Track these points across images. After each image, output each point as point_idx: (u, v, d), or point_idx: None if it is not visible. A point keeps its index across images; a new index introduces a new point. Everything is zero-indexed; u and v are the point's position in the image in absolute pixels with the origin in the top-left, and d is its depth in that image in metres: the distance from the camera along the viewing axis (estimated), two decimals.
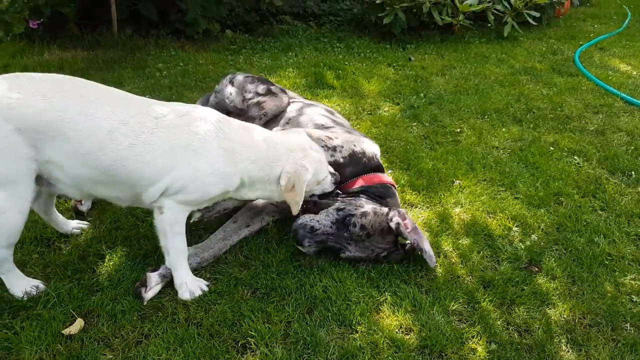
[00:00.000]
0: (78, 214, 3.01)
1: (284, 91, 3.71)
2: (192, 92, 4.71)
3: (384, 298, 2.56)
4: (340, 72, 5.59)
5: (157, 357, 2.16)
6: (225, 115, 2.62)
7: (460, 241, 3.04)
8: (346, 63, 5.95)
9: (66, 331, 2.23)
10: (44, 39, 5.66)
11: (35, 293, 2.41)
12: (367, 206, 2.76)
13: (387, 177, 3.07)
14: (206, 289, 2.52)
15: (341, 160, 2.98)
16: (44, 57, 5.42)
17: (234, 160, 2.45)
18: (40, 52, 5.54)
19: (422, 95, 5.17)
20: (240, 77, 3.76)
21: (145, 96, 2.62)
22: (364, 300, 2.51)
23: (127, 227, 2.93)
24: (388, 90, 5.25)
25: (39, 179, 2.29)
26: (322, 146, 2.94)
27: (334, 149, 2.99)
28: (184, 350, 2.19)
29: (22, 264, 2.59)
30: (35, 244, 2.75)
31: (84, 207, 3.03)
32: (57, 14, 5.21)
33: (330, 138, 3.04)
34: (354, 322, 2.40)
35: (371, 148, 3.12)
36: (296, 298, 2.50)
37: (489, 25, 7.26)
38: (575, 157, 4.06)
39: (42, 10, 4.79)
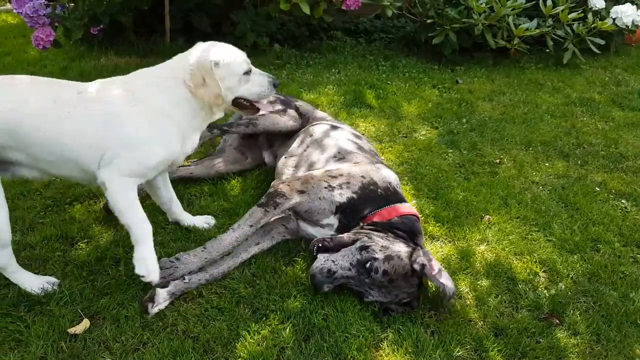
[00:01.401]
0: (108, 212, 3.12)
1: (300, 116, 3.78)
2: None
3: (385, 335, 2.50)
4: (381, 91, 5.54)
5: None
6: (135, 72, 2.67)
7: (479, 282, 2.92)
8: (388, 82, 5.89)
9: (72, 330, 2.33)
10: (103, 45, 5.98)
11: (50, 289, 2.53)
12: (392, 247, 2.65)
13: (407, 207, 2.98)
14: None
15: (353, 195, 2.91)
16: (100, 62, 5.72)
17: (148, 107, 2.48)
18: (97, 56, 5.86)
19: (464, 120, 5.04)
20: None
21: None
22: (364, 335, 2.46)
23: None
24: (428, 113, 5.15)
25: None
26: (326, 186, 2.90)
27: (340, 186, 2.91)
28: None
29: (45, 260, 2.75)
30: (61, 242, 2.90)
31: None
32: (116, 22, 5.50)
33: (333, 177, 2.97)
34: (349, 356, 2.36)
35: (386, 178, 3.05)
36: (294, 323, 2.49)
37: (548, 50, 6.97)
38: (623, 201, 3.82)
39: (100, 18, 5.07)
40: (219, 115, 2.79)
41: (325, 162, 3.20)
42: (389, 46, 7.37)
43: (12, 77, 2.48)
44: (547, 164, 4.32)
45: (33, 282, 2.52)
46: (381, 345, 2.44)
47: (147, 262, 2.43)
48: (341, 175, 2.96)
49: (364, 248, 2.63)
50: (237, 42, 6.13)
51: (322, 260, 2.62)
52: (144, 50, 6.06)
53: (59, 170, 2.50)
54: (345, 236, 2.77)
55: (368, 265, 2.57)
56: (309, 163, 3.25)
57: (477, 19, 6.33)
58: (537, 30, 6.59)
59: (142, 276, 2.42)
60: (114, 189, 2.42)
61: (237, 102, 2.76)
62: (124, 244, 2.91)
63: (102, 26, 5.47)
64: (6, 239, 2.40)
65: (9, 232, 2.39)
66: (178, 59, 2.66)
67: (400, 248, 2.66)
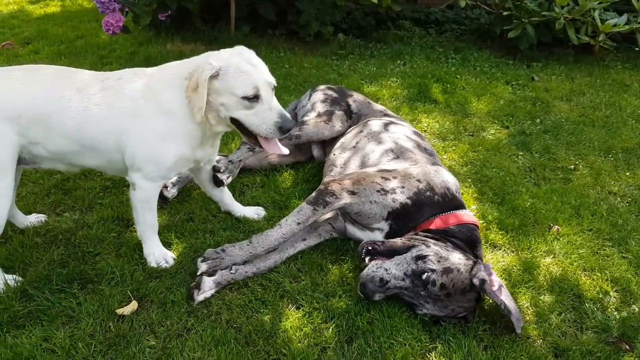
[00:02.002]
0: (163, 200, 3.18)
1: (349, 117, 3.63)
2: (289, 95, 4.77)
3: (433, 345, 2.36)
4: (448, 85, 5.29)
5: (192, 353, 2.21)
6: (162, 65, 2.58)
7: (542, 297, 2.70)
8: (457, 76, 5.62)
9: (120, 311, 2.38)
10: (169, 31, 6.12)
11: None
12: (451, 259, 2.47)
13: (466, 215, 2.79)
14: (172, 262, 2.66)
15: (408, 201, 2.75)
16: (166, 48, 5.86)
17: (158, 104, 2.42)
18: (164, 42, 6.00)
19: (538, 121, 4.71)
20: (318, 93, 3.77)
21: None
22: (411, 343, 2.34)
23: (198, 220, 3.04)
24: (499, 111, 4.86)
25: (25, 160, 2.47)
26: (379, 190, 2.76)
27: (393, 190, 2.76)
28: (218, 352, 2.22)
29: (101, 240, 2.82)
30: (116, 223, 2.98)
31: (169, 193, 3.20)
32: (183, 9, 5.60)
33: (386, 179, 2.81)
34: None
35: (444, 182, 2.86)
36: (338, 324, 2.40)
37: (637, 49, 6.38)
38: None
39: (168, 4, 5.18)
40: (220, 128, 2.54)
41: (380, 155, 3.07)
42: (461, 38, 7.05)
43: (38, 67, 2.53)
44: (627, 173, 3.94)
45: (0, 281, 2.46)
46: (428, 356, 2.31)
47: (155, 257, 2.65)
48: (395, 177, 2.80)
49: (420, 258, 2.46)
50: (301, 31, 6.20)
51: (374, 268, 2.47)
52: (209, 37, 6.14)
53: (84, 160, 2.53)
54: (399, 241, 2.61)
55: (424, 277, 2.41)
56: (363, 155, 3.13)
57: (559, 12, 5.89)
58: (627, 27, 6.03)
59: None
60: (141, 193, 2.54)
61: (240, 126, 2.46)
62: (177, 229, 2.94)
63: (169, 12, 5.59)
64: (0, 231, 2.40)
65: (3, 225, 2.41)
66: (200, 57, 2.50)
67: (460, 260, 2.48)
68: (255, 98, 2.36)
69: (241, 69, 2.36)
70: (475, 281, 2.40)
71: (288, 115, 2.43)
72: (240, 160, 3.19)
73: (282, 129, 2.39)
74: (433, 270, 2.40)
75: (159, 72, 2.53)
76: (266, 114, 2.38)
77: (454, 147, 4.11)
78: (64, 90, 2.40)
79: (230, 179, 3.07)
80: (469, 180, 3.68)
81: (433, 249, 2.49)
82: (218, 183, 3.00)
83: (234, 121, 2.45)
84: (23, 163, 2.48)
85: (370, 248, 2.57)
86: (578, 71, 6.09)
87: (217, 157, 3.07)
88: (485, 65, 6.04)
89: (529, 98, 5.21)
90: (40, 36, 6.29)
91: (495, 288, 2.39)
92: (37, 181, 3.36)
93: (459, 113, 4.75)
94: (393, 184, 2.77)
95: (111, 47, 5.92)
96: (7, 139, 2.31)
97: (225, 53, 2.46)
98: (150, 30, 6.24)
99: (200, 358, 2.19)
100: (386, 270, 2.45)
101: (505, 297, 2.39)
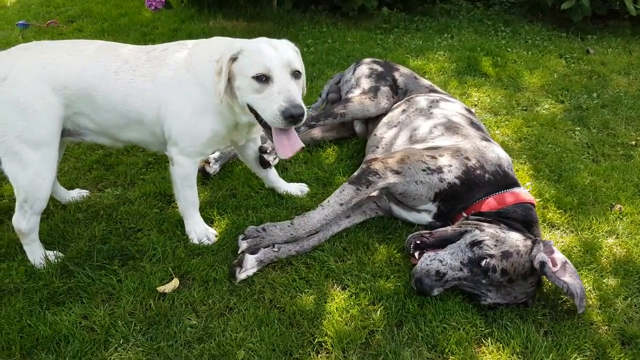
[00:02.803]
0: (205, 175, 3.11)
1: (395, 93, 3.44)
2: (333, 69, 4.62)
3: (489, 330, 2.20)
4: (499, 59, 5.01)
5: (235, 334, 2.13)
6: (207, 40, 2.48)
7: (605, 280, 2.49)
8: (508, 50, 5.32)
9: (161, 289, 2.32)
10: (212, 8, 6.04)
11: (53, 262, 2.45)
12: (508, 241, 2.28)
13: (521, 193, 2.59)
14: (214, 239, 2.59)
15: (456, 181, 2.57)
16: (209, 25, 5.78)
17: (196, 75, 2.32)
18: (206, 19, 5.93)
19: (594, 95, 4.40)
20: (363, 67, 3.59)
21: None
22: (465, 328, 2.19)
23: (241, 197, 2.96)
24: (553, 85, 4.56)
25: (69, 132, 2.42)
26: (424, 169, 2.59)
27: (440, 169, 2.57)
28: (261, 333, 2.13)
29: (143, 216, 2.78)
30: (158, 199, 2.92)
31: (212, 169, 3.12)
32: None
33: (433, 157, 2.62)
34: (447, 349, 2.10)
35: (496, 159, 2.65)
36: (386, 306, 2.27)
37: None
38: None
39: None
40: (246, 118, 2.36)
41: (428, 130, 2.89)
42: (510, 11, 6.69)
43: (86, 41, 2.47)
44: None
45: (40, 257, 2.42)
46: (484, 342, 2.15)
47: (197, 234, 2.59)
48: (442, 155, 2.62)
49: (475, 243, 2.28)
50: (344, 6, 6.01)
51: (428, 260, 2.29)
52: (251, 13, 6.03)
53: (128, 134, 2.46)
54: (449, 229, 2.44)
55: (483, 264, 2.23)
56: (409, 130, 2.96)
57: None
58: None
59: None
60: (179, 169, 2.48)
61: (256, 115, 2.26)
62: (219, 205, 2.87)
63: None
64: (44, 206, 2.36)
65: (47, 199, 2.37)
66: (236, 40, 2.39)
67: (518, 242, 2.29)
68: (265, 80, 2.17)
69: (259, 50, 2.21)
70: (535, 264, 2.22)
71: (299, 101, 2.15)
72: None
73: (285, 114, 2.11)
74: (491, 256, 2.23)
75: (202, 44, 2.44)
76: (272, 98, 2.15)
77: (506, 122, 3.87)
78: (111, 62, 2.35)
79: (277, 160, 2.96)
80: (524, 156, 3.46)
81: (488, 232, 2.31)
82: (265, 164, 2.90)
83: (250, 109, 2.27)
84: (67, 135, 2.44)
85: (418, 242, 2.40)
86: (636, 44, 5.68)
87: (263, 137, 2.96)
88: (536, 38, 5.70)
89: (584, 71, 4.88)
90: (84, 14, 6.33)
91: (558, 267, 2.21)
92: (79, 157, 3.35)
93: (510, 87, 4.48)
94: (440, 162, 2.60)
95: (154, 25, 5.89)
96: (53, 110, 2.26)
97: (257, 39, 2.34)
98: (192, 6, 6.19)
99: (243, 339, 2.11)
100: (441, 261, 2.28)
101: (569, 276, 2.21)
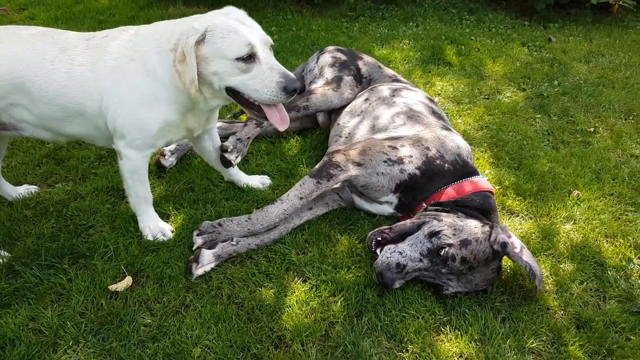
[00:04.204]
0: (160, 169, 3.02)
1: (359, 82, 3.38)
2: (297, 59, 4.54)
3: (448, 318, 2.20)
4: (463, 47, 5.02)
5: (191, 331, 2.07)
6: (144, 26, 2.34)
7: (562, 265, 2.53)
8: (472, 38, 5.34)
9: (113, 287, 2.24)
10: None
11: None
12: (467, 229, 2.28)
13: (483, 181, 2.61)
14: (170, 235, 2.52)
15: (416, 172, 2.55)
16: (168, 11, 5.62)
17: (143, 64, 2.19)
18: (166, 6, 5.75)
19: (555, 83, 4.46)
20: (326, 55, 3.52)
21: None
22: (424, 316, 2.18)
23: (199, 190, 2.88)
24: (515, 73, 4.60)
25: (4, 125, 2.30)
26: (385, 160, 2.56)
27: (400, 160, 2.56)
28: (218, 330, 2.08)
29: (94, 212, 2.67)
30: (111, 194, 2.82)
31: (167, 162, 3.03)
32: None
33: (394, 147, 2.60)
34: (406, 338, 2.09)
35: (455, 148, 2.65)
36: (346, 297, 2.25)
37: None
38: None
39: None
40: (216, 102, 2.28)
41: (389, 119, 2.86)
42: (474, 1, 6.71)
43: (19, 28, 2.33)
44: None
45: None
46: (443, 330, 2.15)
47: (151, 230, 2.50)
48: (403, 146, 2.61)
49: (433, 234, 2.28)
50: None
51: (388, 254, 2.27)
52: (212, 0, 5.86)
53: (70, 128, 2.33)
54: (408, 222, 2.42)
55: (442, 253, 2.22)
56: (371, 119, 2.93)
57: None
58: None
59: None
60: (128, 163, 2.35)
61: (240, 97, 2.19)
62: (175, 199, 2.78)
63: None
64: None
65: None
66: (184, 21, 2.22)
67: (476, 229, 2.30)
68: (250, 58, 2.08)
69: (230, 28, 2.08)
70: (496, 247, 2.22)
71: (291, 73, 2.13)
72: (248, 138, 2.96)
73: (287, 89, 2.09)
74: (450, 245, 2.22)
75: (146, 30, 2.29)
76: (266, 75, 2.09)
77: (469, 111, 3.88)
78: (47, 51, 2.21)
79: (239, 159, 2.86)
80: (485, 144, 3.48)
81: (445, 222, 2.31)
82: (226, 163, 2.80)
83: (230, 92, 2.19)
84: (3, 129, 2.31)
85: (379, 238, 2.37)
86: (596, 32, 5.79)
87: (227, 135, 2.87)
88: (500, 26, 5.74)
89: (546, 60, 4.94)
90: (37, 1, 6.06)
91: (517, 250, 2.22)
92: (28, 150, 3.20)
93: (474, 75, 4.50)
94: (401, 152, 2.58)
95: (110, 12, 5.68)
96: None
97: (210, 15, 2.21)
98: None
99: (199, 336, 2.05)
100: (401, 253, 2.26)
101: (529, 259, 2.22)
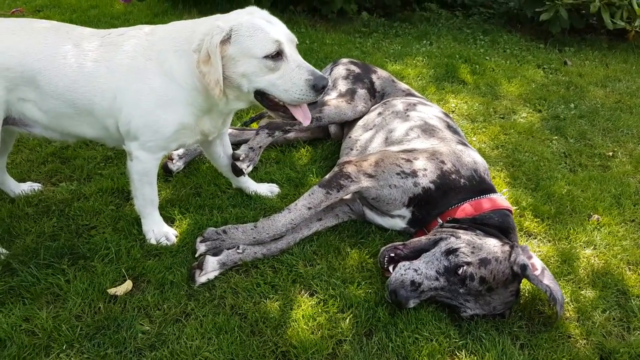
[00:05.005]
0: (167, 172, 2.94)
1: (372, 96, 3.31)
2: None
3: (464, 342, 2.08)
4: (477, 66, 4.96)
5: (190, 341, 1.96)
6: (168, 25, 2.28)
7: (583, 292, 2.41)
8: (486, 58, 5.28)
9: (112, 291, 2.13)
10: (187, 2, 5.86)
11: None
12: (486, 247, 2.16)
13: (501, 199, 2.51)
14: (174, 240, 2.42)
15: (431, 186, 2.45)
16: (183, 18, 5.58)
17: (160, 64, 2.12)
18: (180, 14, 5.74)
19: (572, 105, 4.38)
20: (340, 68, 3.46)
21: None
22: (438, 339, 2.06)
23: (206, 195, 2.79)
24: (531, 94, 4.53)
25: (14, 121, 2.23)
26: (399, 172, 2.47)
27: (414, 173, 2.46)
28: (219, 341, 1.96)
29: (98, 213, 2.58)
30: (116, 195, 2.73)
31: (175, 166, 2.95)
32: None
33: (408, 160, 2.50)
34: None
35: (471, 164, 2.56)
36: (356, 314, 2.13)
37: None
38: None
39: None
40: (238, 105, 2.23)
41: (404, 132, 2.78)
42: (489, 21, 6.69)
43: (33, 21, 2.27)
44: None
45: None
46: (458, 354, 2.03)
47: (155, 234, 2.40)
48: (417, 158, 2.52)
49: (450, 251, 2.16)
50: (323, 8, 5.90)
51: (402, 270, 2.14)
52: (227, 10, 5.81)
53: (78, 127, 2.26)
54: (424, 239, 2.31)
55: (460, 272, 2.10)
56: (385, 132, 2.85)
57: None
58: None
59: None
60: (139, 165, 2.27)
61: (267, 99, 2.13)
62: (181, 203, 2.69)
63: None
64: None
65: None
66: (207, 20, 2.15)
67: (495, 248, 2.18)
68: (278, 56, 2.03)
69: (256, 26, 2.03)
70: (516, 268, 2.11)
71: (318, 71, 2.07)
72: (260, 147, 2.89)
73: (317, 87, 2.04)
74: (468, 264, 2.11)
75: (163, 30, 2.23)
76: (294, 74, 2.04)
77: (483, 129, 3.80)
78: (60, 45, 2.15)
79: (250, 167, 2.78)
80: (501, 163, 3.38)
81: (463, 240, 2.20)
82: (238, 172, 2.72)
83: (258, 95, 2.12)
84: (12, 124, 2.24)
85: (392, 254, 2.25)
86: (612, 57, 5.73)
87: (237, 143, 2.80)
88: (515, 48, 5.70)
89: (562, 82, 4.87)
90: (52, 4, 6.06)
91: (538, 272, 2.11)
92: (33, 148, 3.13)
93: (488, 95, 4.42)
94: (415, 165, 2.49)
95: (125, 17, 5.66)
96: None
97: (233, 14, 2.16)
98: (166, 1, 5.98)
99: (199, 347, 1.94)
100: (416, 271, 2.14)
101: (550, 281, 2.11)
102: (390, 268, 2.22)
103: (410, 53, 5.21)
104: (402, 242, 2.33)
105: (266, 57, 2.01)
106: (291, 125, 3.03)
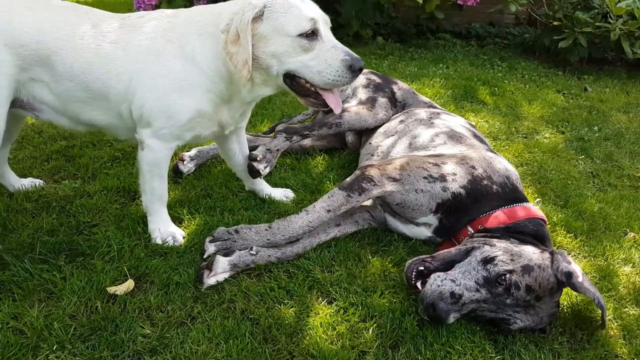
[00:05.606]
0: (177, 174, 2.78)
1: (393, 106, 3.18)
2: None
3: (501, 357, 1.85)
4: (496, 89, 4.85)
5: (196, 346, 1.75)
6: (190, 8, 2.17)
7: (626, 310, 2.19)
8: (505, 81, 5.19)
9: (112, 289, 1.94)
10: None
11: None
12: (526, 254, 1.97)
13: (535, 209, 2.32)
14: (181, 240, 2.24)
15: (461, 191, 2.28)
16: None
17: (181, 47, 2.00)
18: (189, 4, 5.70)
19: (595, 128, 4.23)
20: (360, 77, 3.33)
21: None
22: (472, 353, 1.84)
23: (216, 197, 2.62)
24: (553, 116, 4.39)
25: (22, 103, 2.11)
26: (426, 176, 2.30)
27: (443, 177, 2.29)
28: (228, 347, 1.75)
29: (101, 210, 2.42)
30: (121, 194, 2.57)
31: (185, 167, 2.80)
32: None
33: (435, 165, 2.34)
34: None
35: (504, 170, 2.39)
36: (380, 324, 1.91)
37: None
38: None
39: None
40: (263, 91, 2.10)
41: (431, 138, 2.63)
42: (505, 50, 6.64)
43: (50, 0, 2.18)
44: None
45: None
46: None
47: (161, 233, 2.23)
48: (446, 163, 2.35)
49: (487, 260, 1.95)
50: (339, 31, 5.87)
51: (439, 281, 1.91)
52: None
53: (90, 113, 2.13)
54: (453, 250, 2.11)
55: (503, 280, 1.90)
56: (410, 138, 2.69)
57: (614, 23, 5.48)
58: None
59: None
60: (150, 154, 2.13)
61: (296, 84, 2.02)
62: (190, 204, 2.52)
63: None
64: None
65: None
66: (238, 1, 2.03)
67: (535, 255, 1.99)
68: (313, 35, 1.91)
69: (291, 3, 1.92)
70: (560, 276, 1.91)
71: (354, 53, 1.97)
72: (278, 150, 2.75)
73: (353, 68, 1.92)
74: (510, 271, 1.90)
75: (186, 13, 2.13)
76: (330, 54, 1.91)
77: (507, 147, 3.64)
78: (78, 24, 2.05)
79: (267, 170, 2.63)
80: (527, 179, 3.21)
81: (500, 247, 2.01)
82: (254, 173, 2.57)
83: (288, 78, 1.99)
84: (20, 107, 2.11)
85: (421, 268, 2.02)
86: (633, 86, 5.62)
87: (253, 148, 2.67)
88: (533, 74, 5.61)
89: (583, 106, 4.74)
90: None
91: (580, 279, 1.91)
92: (38, 145, 2.99)
93: (509, 115, 4.29)
94: (444, 169, 2.32)
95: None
96: (3, 69, 1.94)
97: None
98: None
99: (206, 353, 1.73)
100: (453, 281, 1.91)
101: (593, 288, 1.92)
102: (418, 284, 1.99)
103: (427, 75, 5.13)
104: (429, 255, 2.12)
105: (300, 35, 1.89)
106: (310, 129, 2.89)
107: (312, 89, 2.01)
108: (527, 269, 1.91)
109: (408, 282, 2.03)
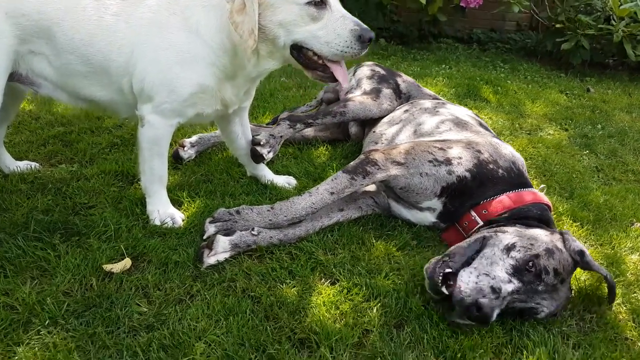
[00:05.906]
0: (177, 160, 2.73)
1: (398, 97, 3.15)
2: (319, 90, 4.39)
3: (508, 337, 1.79)
4: (499, 88, 4.83)
5: (195, 323, 1.69)
6: None
7: (635, 295, 2.13)
8: (508, 81, 5.17)
9: (108, 267, 1.88)
10: None
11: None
12: (540, 238, 1.91)
13: (541, 194, 2.28)
14: (180, 223, 2.17)
15: (466, 174, 2.23)
16: None
17: (185, 19, 1.96)
18: None
19: (599, 126, 4.20)
20: (365, 69, 3.32)
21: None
22: (480, 333, 1.78)
23: (216, 182, 2.58)
24: (556, 114, 4.37)
25: (21, 77, 2.07)
26: (431, 160, 2.26)
27: (448, 161, 2.25)
28: (228, 324, 1.69)
29: (98, 193, 2.37)
30: (119, 178, 2.52)
31: (186, 154, 2.75)
32: None
33: (440, 149, 2.30)
34: (459, 355, 1.68)
35: (509, 155, 2.35)
36: (384, 304, 1.86)
37: None
38: None
39: None
40: (269, 65, 2.05)
41: (436, 125, 2.59)
42: (506, 54, 6.64)
43: None
44: None
45: None
46: (502, 351, 1.74)
47: (160, 214, 2.16)
48: (451, 147, 2.31)
49: (510, 248, 1.87)
50: None
51: (473, 277, 1.78)
52: None
53: (90, 88, 2.09)
54: (463, 243, 2.00)
55: (531, 267, 1.82)
56: (415, 125, 2.66)
57: (617, 25, 5.49)
58: None
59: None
60: (150, 131, 2.08)
61: (304, 56, 1.97)
62: (190, 188, 2.47)
63: None
64: None
65: None
66: None
67: (547, 237, 1.94)
68: (322, 3, 1.88)
69: None
70: (574, 255, 1.87)
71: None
72: (281, 137, 2.71)
73: (363, 38, 1.88)
74: (537, 256, 1.84)
75: None
76: (339, 24, 1.88)
77: (511, 142, 3.60)
78: None
79: (271, 155, 2.58)
80: (532, 172, 3.17)
81: (512, 232, 1.95)
82: (257, 158, 2.53)
83: (295, 49, 1.95)
84: (19, 80, 2.07)
85: (448, 270, 1.82)
86: (635, 88, 5.61)
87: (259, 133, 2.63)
88: (535, 75, 5.61)
89: (586, 106, 4.72)
90: None
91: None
92: (35, 130, 2.95)
93: (513, 112, 4.26)
94: (450, 153, 2.28)
95: None
96: (2, 39, 1.91)
97: None
98: None
99: (205, 329, 1.67)
100: (487, 275, 1.79)
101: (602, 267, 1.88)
102: (444, 289, 1.80)
103: (430, 74, 5.12)
104: (444, 255, 1.95)
105: (309, 3, 1.86)
106: (314, 118, 2.85)
107: (320, 61, 1.97)
108: (549, 252, 1.86)
109: (434, 288, 1.82)
